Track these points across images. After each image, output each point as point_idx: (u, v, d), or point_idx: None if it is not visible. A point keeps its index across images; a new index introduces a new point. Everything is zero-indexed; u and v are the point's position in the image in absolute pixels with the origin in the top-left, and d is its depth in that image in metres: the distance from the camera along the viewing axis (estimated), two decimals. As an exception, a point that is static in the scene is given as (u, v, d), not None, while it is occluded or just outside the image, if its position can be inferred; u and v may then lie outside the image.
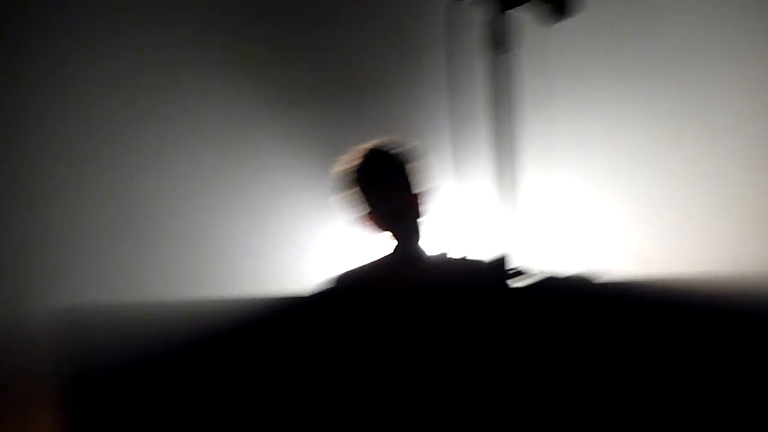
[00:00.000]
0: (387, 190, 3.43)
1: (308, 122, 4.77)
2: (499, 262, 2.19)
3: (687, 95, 4.65)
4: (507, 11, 2.38)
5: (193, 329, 2.28)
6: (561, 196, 4.63)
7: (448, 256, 3.45)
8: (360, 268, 3.53)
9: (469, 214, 2.28)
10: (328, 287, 3.42)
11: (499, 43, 2.37)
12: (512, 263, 2.32)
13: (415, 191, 3.43)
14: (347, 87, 4.80)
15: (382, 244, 3.49)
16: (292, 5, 4.78)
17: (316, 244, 4.70)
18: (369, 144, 3.51)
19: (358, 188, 3.46)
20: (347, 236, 3.90)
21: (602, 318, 2.23)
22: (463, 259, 3.39)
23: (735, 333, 2.21)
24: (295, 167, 4.74)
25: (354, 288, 3.40)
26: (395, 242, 3.46)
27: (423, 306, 2.30)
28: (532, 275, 2.60)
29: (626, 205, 4.68)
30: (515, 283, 2.49)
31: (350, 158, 3.49)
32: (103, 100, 4.66)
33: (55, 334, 2.27)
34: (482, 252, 2.47)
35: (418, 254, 3.41)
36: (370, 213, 3.46)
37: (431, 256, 3.44)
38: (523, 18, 2.42)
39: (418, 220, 3.43)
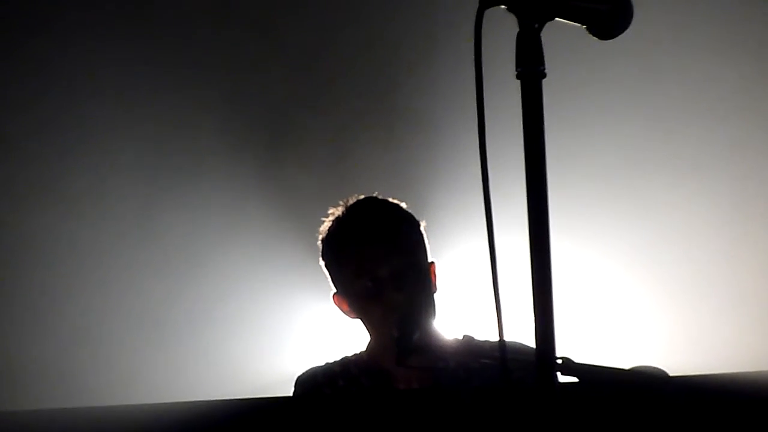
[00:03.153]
0: (360, 263, 2.67)
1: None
2: (542, 352, 1.60)
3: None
4: (540, 23, 1.89)
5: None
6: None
7: (469, 341, 2.56)
8: (331, 364, 2.81)
9: (488, 291, 1.81)
10: (289, 397, 2.72)
11: (530, 58, 1.86)
12: (554, 353, 1.74)
13: (408, 260, 2.68)
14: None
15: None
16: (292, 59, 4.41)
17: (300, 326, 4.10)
18: (344, 203, 2.79)
19: (327, 260, 2.75)
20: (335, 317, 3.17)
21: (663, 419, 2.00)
22: (491, 346, 2.38)
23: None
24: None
25: (321, 392, 2.75)
26: (374, 331, 2.72)
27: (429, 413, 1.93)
28: (577, 368, 2.06)
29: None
30: (562, 378, 2.01)
31: (326, 221, 2.78)
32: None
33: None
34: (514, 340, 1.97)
35: (418, 342, 2.50)
36: (338, 293, 2.74)
37: (444, 342, 2.50)
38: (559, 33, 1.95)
39: (416, 296, 2.66)
